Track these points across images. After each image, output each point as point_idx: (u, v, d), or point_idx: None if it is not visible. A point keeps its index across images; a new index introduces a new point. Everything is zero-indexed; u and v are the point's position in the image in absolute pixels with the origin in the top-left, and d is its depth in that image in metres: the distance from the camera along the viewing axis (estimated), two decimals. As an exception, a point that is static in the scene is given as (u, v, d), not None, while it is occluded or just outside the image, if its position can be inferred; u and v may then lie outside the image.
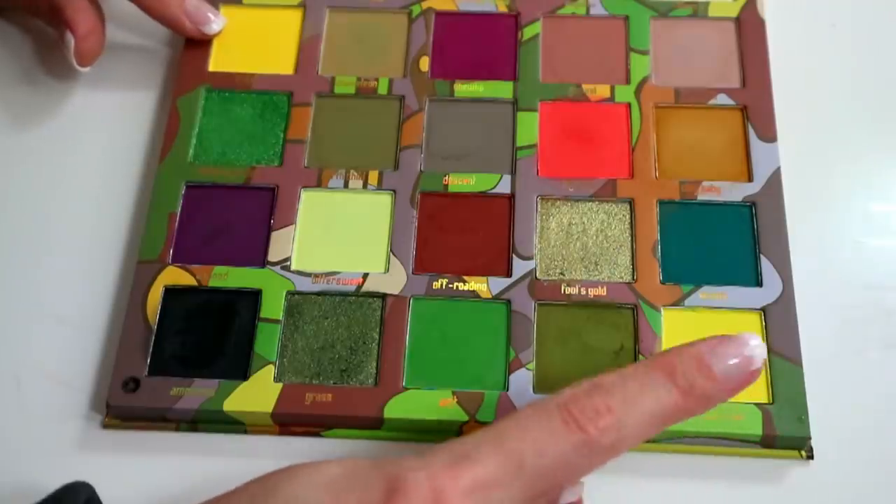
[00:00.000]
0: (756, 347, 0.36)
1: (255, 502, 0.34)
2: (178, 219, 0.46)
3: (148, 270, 0.45)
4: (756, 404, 0.42)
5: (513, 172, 0.47)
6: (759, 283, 0.45)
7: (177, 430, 0.43)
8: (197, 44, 0.51)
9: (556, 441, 0.34)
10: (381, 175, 0.47)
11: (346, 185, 0.47)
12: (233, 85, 0.50)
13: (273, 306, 0.44)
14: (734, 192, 0.47)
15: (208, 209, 0.47)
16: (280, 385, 0.42)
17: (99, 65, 0.51)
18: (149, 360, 0.43)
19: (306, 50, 0.51)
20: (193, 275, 0.45)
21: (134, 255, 0.46)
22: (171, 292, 0.45)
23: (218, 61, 0.51)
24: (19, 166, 0.49)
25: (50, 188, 0.49)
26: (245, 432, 0.43)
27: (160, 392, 0.42)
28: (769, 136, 0.48)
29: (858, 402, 0.44)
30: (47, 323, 0.45)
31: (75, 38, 0.48)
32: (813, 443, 0.42)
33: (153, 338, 0.44)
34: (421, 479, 0.33)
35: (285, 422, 0.42)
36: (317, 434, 0.43)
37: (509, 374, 0.43)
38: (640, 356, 0.43)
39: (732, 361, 0.36)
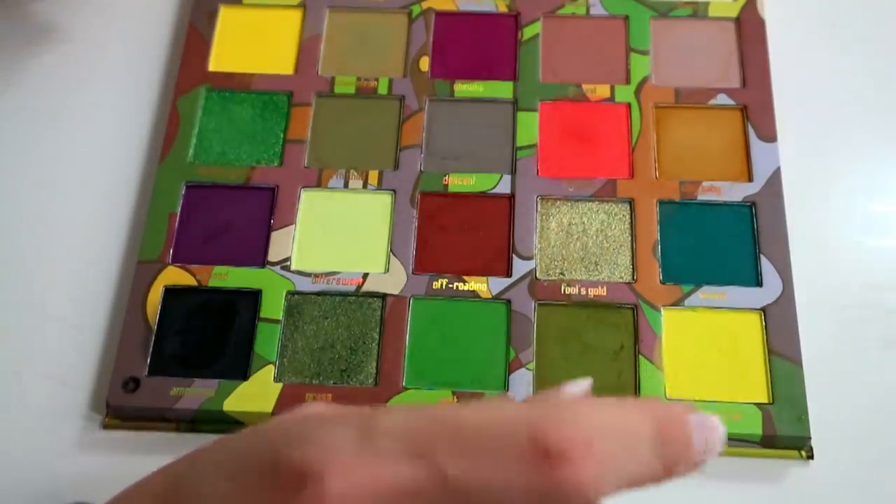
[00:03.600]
0: (722, 433, 0.28)
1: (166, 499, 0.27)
2: (178, 219, 0.46)
3: (148, 270, 0.45)
4: (756, 404, 0.42)
5: (513, 172, 0.47)
6: (759, 283, 0.45)
7: (177, 430, 0.43)
8: (196, 44, 0.51)
9: (513, 472, 0.24)
10: (381, 175, 0.47)
11: (346, 185, 0.47)
12: (233, 85, 0.50)
13: (273, 306, 0.44)
14: (734, 192, 0.47)
15: (208, 209, 0.47)
16: (280, 385, 0.42)
17: (98, 64, 0.51)
18: (149, 360, 0.43)
19: (306, 50, 0.51)
20: (193, 275, 0.45)
21: (134, 256, 0.46)
22: (171, 292, 0.45)
23: (218, 61, 0.51)
24: (18, 166, 0.49)
25: (49, 188, 0.49)
26: (245, 432, 0.43)
27: (160, 392, 0.42)
28: (769, 136, 0.48)
29: (858, 402, 0.44)
30: (48, 323, 0.45)
31: None
32: (813, 443, 0.42)
33: (153, 338, 0.44)
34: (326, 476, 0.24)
35: (285, 422, 0.42)
36: (317, 434, 0.43)
37: (509, 374, 0.43)
38: (641, 356, 0.43)
39: (710, 439, 0.27)
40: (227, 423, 0.42)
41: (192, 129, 0.48)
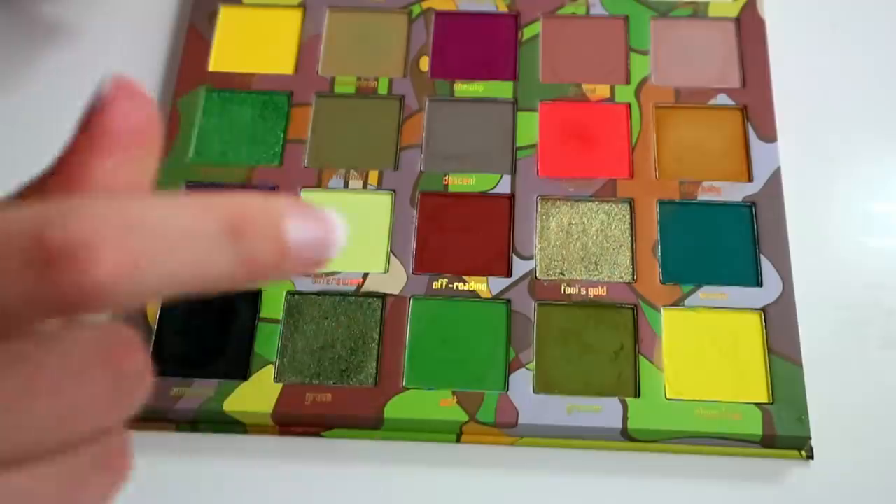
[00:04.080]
0: (339, 226, 0.23)
1: None
2: (177, 219, 0.46)
3: (148, 270, 0.45)
4: (756, 404, 0.42)
5: (513, 172, 0.47)
6: (759, 283, 0.45)
7: (177, 430, 0.43)
8: (197, 44, 0.51)
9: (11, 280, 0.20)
10: (381, 175, 0.47)
11: (346, 185, 0.47)
12: (233, 85, 0.50)
13: (273, 306, 0.44)
14: (734, 192, 0.47)
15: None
16: (280, 385, 0.42)
17: (97, 64, 0.51)
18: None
19: (306, 50, 0.51)
20: (193, 275, 0.45)
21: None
22: (170, 292, 0.45)
23: (218, 61, 0.51)
24: (17, 167, 0.49)
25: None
26: (245, 432, 0.43)
27: (160, 392, 0.42)
28: (769, 136, 0.48)
29: (858, 402, 0.44)
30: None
31: None
32: (813, 443, 0.42)
33: (153, 338, 0.44)
34: None
35: (285, 422, 0.42)
36: (317, 434, 0.43)
37: (509, 374, 0.43)
38: (641, 356, 0.43)
39: (312, 239, 0.23)
40: (227, 423, 0.42)
41: (192, 130, 0.48)
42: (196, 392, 0.42)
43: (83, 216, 0.20)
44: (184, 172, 0.47)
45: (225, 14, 0.52)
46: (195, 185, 0.47)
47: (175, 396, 0.42)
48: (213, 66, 0.51)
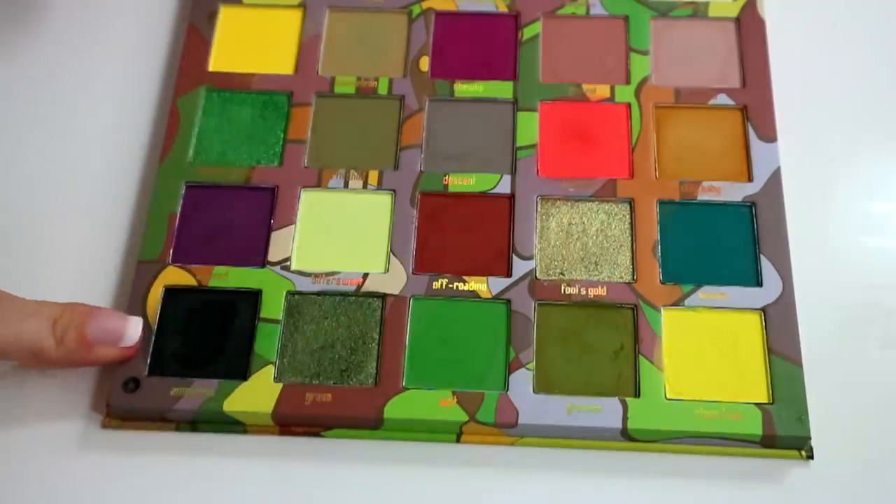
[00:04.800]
0: (133, 324, 0.42)
1: None
2: (178, 219, 0.46)
3: (148, 270, 0.45)
4: (756, 404, 0.42)
5: (513, 172, 0.47)
6: (759, 283, 0.45)
7: (177, 430, 0.43)
8: (197, 44, 0.51)
9: None
10: (381, 175, 0.47)
11: (346, 185, 0.47)
12: (233, 85, 0.50)
13: (273, 306, 0.44)
14: (734, 191, 0.47)
15: (208, 209, 0.47)
16: (280, 385, 0.42)
17: (97, 64, 0.51)
18: (149, 360, 0.43)
19: (306, 50, 0.51)
20: (193, 275, 0.45)
21: (134, 256, 0.46)
22: (171, 292, 0.45)
23: (218, 61, 0.51)
24: (17, 167, 0.49)
25: (48, 188, 0.49)
26: (245, 432, 0.43)
27: (160, 392, 0.42)
28: (769, 135, 0.48)
29: (858, 402, 0.44)
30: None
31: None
32: (813, 443, 0.42)
33: (153, 338, 0.44)
34: None
35: (285, 422, 0.42)
36: (317, 434, 0.43)
37: (509, 374, 0.43)
38: (641, 356, 0.43)
39: (106, 327, 0.41)
40: (227, 423, 0.42)
41: (192, 130, 0.48)
42: (196, 392, 0.42)
43: None
44: (184, 172, 0.47)
45: (225, 14, 0.52)
46: (195, 186, 0.47)
47: (175, 396, 0.42)
48: (213, 66, 0.51)
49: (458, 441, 0.42)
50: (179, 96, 0.49)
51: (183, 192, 0.47)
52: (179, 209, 0.47)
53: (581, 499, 0.42)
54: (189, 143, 0.48)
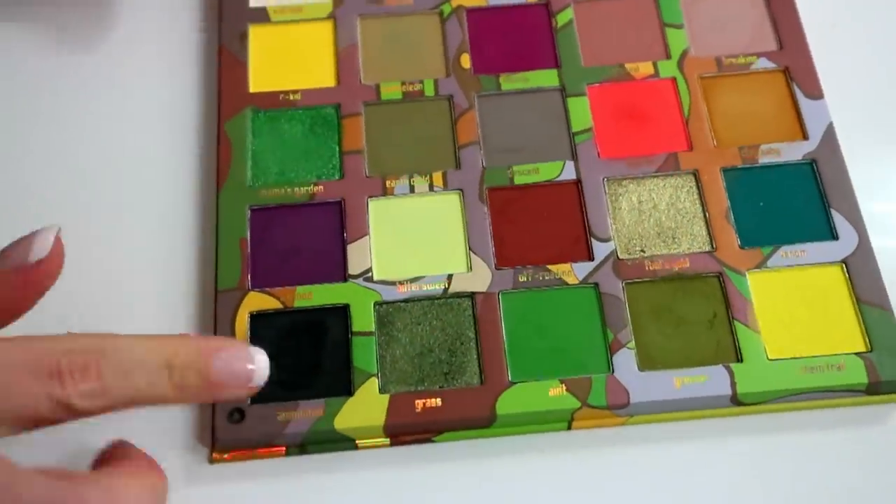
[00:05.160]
0: (260, 363, 0.36)
1: None
2: (248, 243, 0.45)
3: (230, 299, 0.44)
4: (856, 354, 0.43)
5: (574, 158, 0.48)
6: (834, 237, 0.45)
7: (286, 454, 0.42)
8: (232, 66, 0.50)
9: (30, 384, 0.32)
10: (445, 175, 0.47)
11: (412, 190, 0.47)
12: (277, 104, 0.49)
13: (363, 319, 0.44)
14: (793, 151, 0.47)
15: (278, 230, 0.46)
16: (387, 396, 0.42)
17: (131, 97, 0.51)
18: (249, 389, 0.42)
19: (344, 60, 0.50)
20: (277, 298, 0.44)
21: (208, 284, 0.45)
22: (257, 318, 0.44)
23: (257, 81, 0.50)
24: (74, 210, 0.48)
25: (108, 228, 0.48)
26: (355, 448, 0.42)
27: (267, 419, 0.41)
28: (815, 93, 0.49)
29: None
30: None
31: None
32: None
33: (248, 366, 0.43)
34: None
35: (396, 433, 0.42)
36: (428, 440, 0.42)
37: (612, 356, 0.43)
38: (736, 321, 0.43)
39: (235, 370, 0.35)
40: (336, 441, 0.42)
41: (245, 153, 0.48)
42: (304, 414, 0.42)
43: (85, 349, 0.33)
44: (245, 196, 0.47)
45: (255, 33, 0.51)
46: (260, 209, 0.46)
47: (283, 421, 0.41)
48: (253, 87, 0.50)
49: (568, 428, 0.42)
50: (225, 121, 0.49)
51: (249, 216, 0.46)
52: (249, 234, 0.46)
53: (694, 467, 0.42)
54: (245, 167, 0.47)
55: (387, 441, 0.42)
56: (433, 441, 0.42)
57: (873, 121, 0.50)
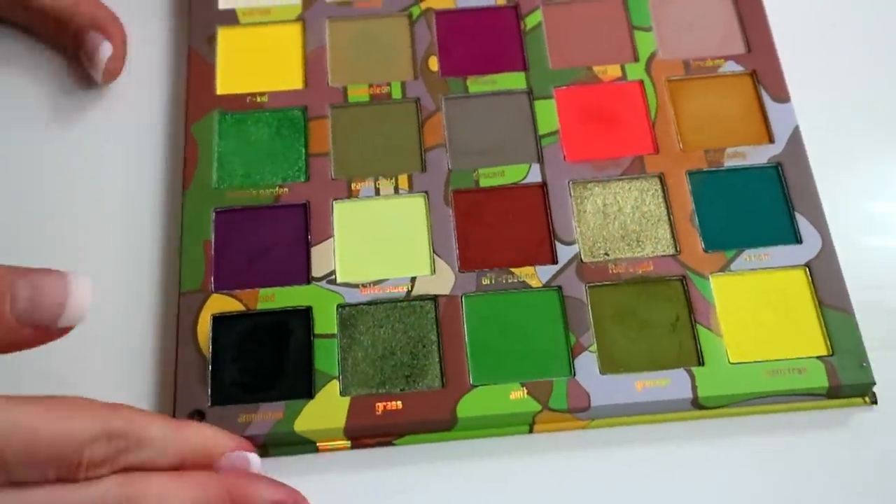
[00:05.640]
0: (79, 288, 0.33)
1: None
2: (213, 246, 0.45)
3: (192, 301, 0.44)
4: (817, 357, 0.43)
5: (540, 161, 0.48)
6: (798, 241, 0.45)
7: (246, 457, 0.42)
8: (200, 68, 0.50)
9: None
10: (410, 178, 0.47)
11: (377, 193, 0.47)
12: (244, 106, 0.49)
13: (326, 321, 0.44)
14: (758, 154, 0.47)
15: (242, 232, 0.46)
16: (348, 399, 0.42)
17: (99, 96, 0.51)
18: (209, 391, 0.42)
19: (312, 62, 0.50)
20: (240, 300, 0.44)
21: (172, 287, 0.45)
22: (220, 320, 0.44)
23: (225, 84, 0.50)
24: (38, 209, 0.48)
25: (71, 229, 0.48)
26: (315, 451, 0.42)
27: (227, 421, 0.41)
28: (782, 96, 0.49)
29: None
30: (94, 364, 0.44)
31: (114, 47, 0.48)
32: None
33: (209, 368, 0.43)
34: None
35: (357, 436, 0.42)
36: (389, 444, 0.42)
37: (573, 359, 0.43)
38: (698, 325, 0.43)
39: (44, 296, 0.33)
40: (297, 443, 0.42)
41: (211, 155, 0.48)
42: (264, 416, 0.42)
43: None
44: (210, 199, 0.47)
45: (223, 35, 0.51)
46: (225, 211, 0.46)
47: (244, 423, 0.41)
48: (221, 90, 0.50)
49: (530, 432, 0.42)
50: (192, 123, 0.49)
51: (213, 218, 0.46)
52: (213, 236, 0.46)
53: (655, 471, 0.42)
54: (211, 169, 0.47)
55: (347, 444, 0.42)
56: (394, 444, 0.42)
57: (839, 124, 0.50)
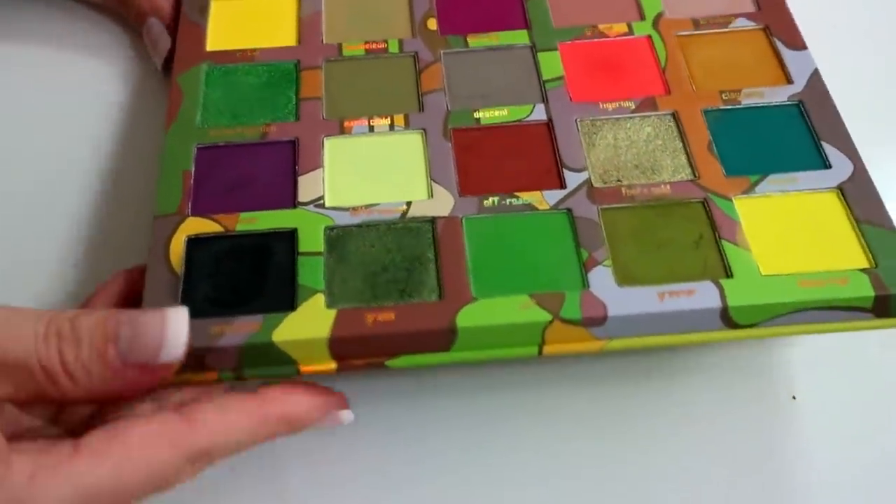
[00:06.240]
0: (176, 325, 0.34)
1: None
2: (192, 176, 0.42)
3: (167, 224, 0.40)
4: (860, 270, 0.38)
5: (545, 101, 0.45)
6: (827, 166, 0.42)
7: (218, 380, 0.37)
8: (190, 31, 0.48)
9: None
10: (407, 118, 0.44)
11: (371, 130, 0.44)
12: (234, 59, 0.47)
13: (312, 241, 0.40)
14: (777, 94, 0.45)
15: (225, 165, 0.43)
16: (334, 311, 0.37)
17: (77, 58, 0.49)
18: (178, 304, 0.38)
19: (307, 26, 0.49)
20: (218, 222, 0.40)
21: (147, 215, 0.42)
22: (194, 242, 0.40)
23: (214, 42, 0.48)
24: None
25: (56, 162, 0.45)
26: (297, 373, 0.37)
27: (198, 332, 0.36)
28: (798, 45, 0.47)
29: None
30: (55, 280, 0.40)
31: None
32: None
33: (181, 285, 0.38)
34: None
35: (343, 353, 0.37)
36: (380, 365, 0.37)
37: (587, 273, 0.38)
38: (724, 241, 0.39)
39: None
40: (275, 363, 0.37)
41: (196, 100, 0.45)
42: (239, 327, 0.37)
43: None
44: (193, 136, 0.44)
45: (217, 6, 0.50)
46: (207, 147, 0.43)
47: (215, 334, 0.37)
48: (210, 47, 0.48)
49: (539, 354, 0.37)
50: (178, 75, 0.46)
51: (195, 154, 0.43)
52: (193, 168, 0.42)
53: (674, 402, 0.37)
54: (196, 111, 0.44)
55: (333, 365, 0.37)
56: (386, 366, 0.37)
57: (859, 115, 0.47)
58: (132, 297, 0.39)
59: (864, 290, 0.37)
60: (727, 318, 0.37)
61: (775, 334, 0.38)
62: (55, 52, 0.51)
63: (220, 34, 0.48)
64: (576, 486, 0.38)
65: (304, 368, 0.37)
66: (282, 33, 0.48)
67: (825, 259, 0.39)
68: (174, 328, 0.33)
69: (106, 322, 0.33)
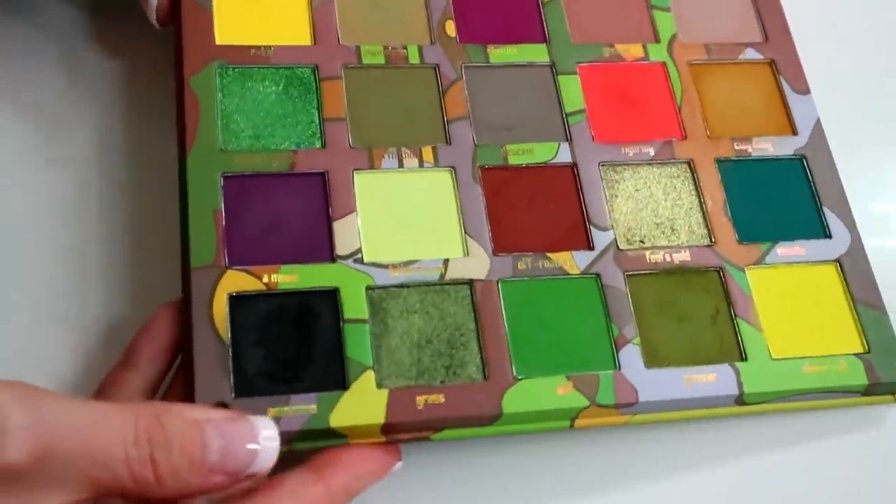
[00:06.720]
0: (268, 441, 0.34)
1: None
2: (223, 216, 0.41)
3: (205, 277, 0.39)
4: (855, 355, 0.42)
5: (569, 139, 0.45)
6: (827, 235, 0.45)
7: (273, 453, 0.38)
8: (196, 17, 0.45)
9: None
10: (435, 151, 0.44)
11: (400, 165, 0.43)
12: (248, 60, 0.44)
13: (355, 305, 0.40)
14: (784, 146, 0.47)
15: (255, 201, 0.41)
16: (385, 391, 0.39)
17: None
18: (232, 381, 0.38)
19: (320, 17, 0.46)
20: (258, 277, 0.40)
21: (175, 261, 0.40)
22: (237, 300, 0.39)
23: (224, 34, 0.45)
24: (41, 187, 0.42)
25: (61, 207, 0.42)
26: (346, 442, 0.39)
27: (256, 414, 0.37)
28: (802, 88, 0.48)
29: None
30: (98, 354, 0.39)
31: None
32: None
33: (229, 353, 0.38)
34: None
35: (394, 432, 0.39)
36: (425, 438, 0.39)
37: (618, 352, 0.41)
38: (738, 318, 0.42)
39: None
40: (331, 437, 0.38)
41: (213, 112, 0.43)
42: (296, 410, 0.38)
43: None
44: (218, 163, 0.42)
45: (219, -11, 0.46)
46: (234, 177, 0.42)
47: (274, 418, 0.37)
48: (220, 40, 0.45)
49: (571, 427, 0.40)
50: (190, 75, 0.43)
51: (222, 184, 0.41)
52: (223, 205, 0.41)
53: (695, 463, 0.41)
54: (214, 129, 0.42)
55: (382, 439, 0.39)
56: (430, 439, 0.39)
57: (859, 117, 0.50)
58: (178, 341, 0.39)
59: (859, 378, 0.42)
60: (741, 400, 0.41)
61: (777, 410, 0.42)
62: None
63: (229, 24, 0.45)
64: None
65: (354, 442, 0.39)
66: (294, 27, 0.46)
67: (826, 342, 0.43)
68: (266, 444, 0.34)
69: (196, 428, 0.33)
